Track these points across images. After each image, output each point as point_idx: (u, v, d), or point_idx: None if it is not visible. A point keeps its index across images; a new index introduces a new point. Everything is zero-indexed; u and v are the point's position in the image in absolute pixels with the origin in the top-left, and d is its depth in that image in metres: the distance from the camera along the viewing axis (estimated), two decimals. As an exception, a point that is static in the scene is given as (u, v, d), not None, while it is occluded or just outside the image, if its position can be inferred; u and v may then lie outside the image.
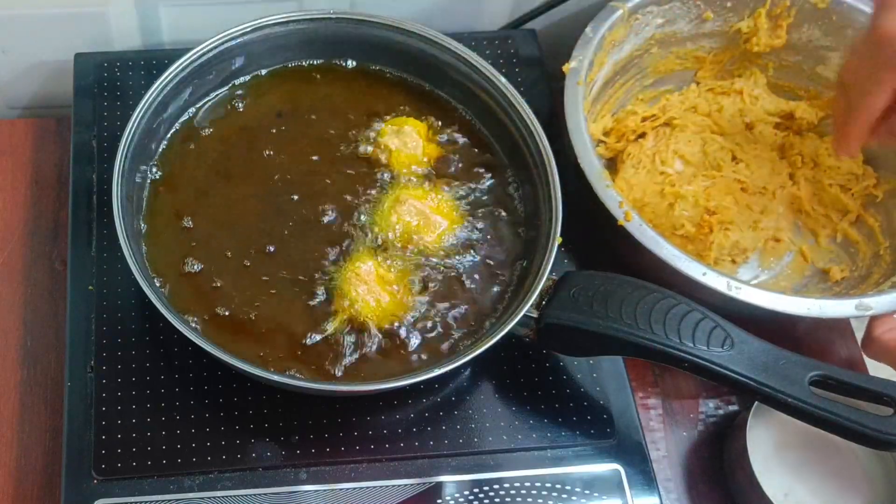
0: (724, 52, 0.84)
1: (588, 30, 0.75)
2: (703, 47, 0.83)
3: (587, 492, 0.64)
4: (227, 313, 0.65)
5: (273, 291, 0.66)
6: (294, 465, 0.63)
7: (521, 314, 0.62)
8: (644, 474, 0.65)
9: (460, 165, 0.72)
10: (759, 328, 0.61)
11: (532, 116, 0.69)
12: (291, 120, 0.73)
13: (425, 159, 0.72)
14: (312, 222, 0.69)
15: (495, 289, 0.68)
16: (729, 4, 0.81)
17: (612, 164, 0.81)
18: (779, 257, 0.80)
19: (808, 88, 0.84)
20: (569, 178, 0.68)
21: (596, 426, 0.66)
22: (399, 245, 0.68)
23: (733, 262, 0.78)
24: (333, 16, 0.73)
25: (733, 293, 0.66)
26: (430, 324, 0.65)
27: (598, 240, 0.73)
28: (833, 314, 0.67)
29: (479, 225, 0.70)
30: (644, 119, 0.82)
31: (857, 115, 0.65)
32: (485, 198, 0.71)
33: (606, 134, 0.81)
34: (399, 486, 0.63)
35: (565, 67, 0.73)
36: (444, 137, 0.73)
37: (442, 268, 0.68)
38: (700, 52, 0.83)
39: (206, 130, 0.72)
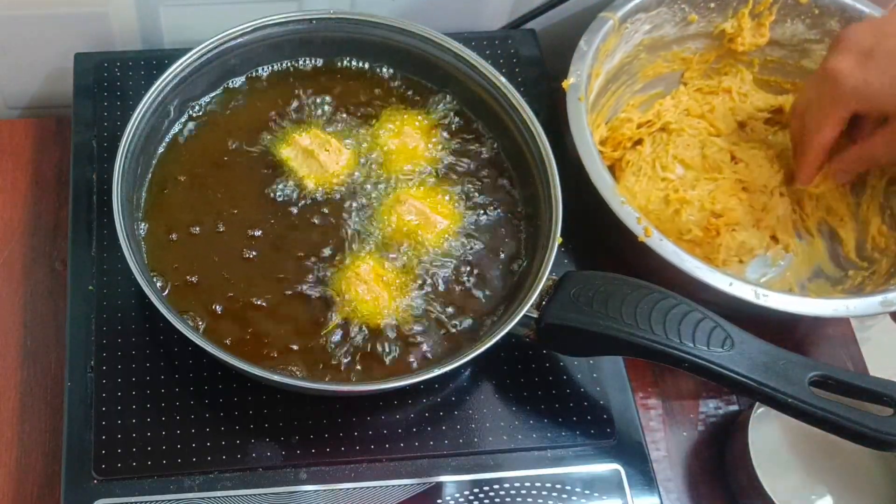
0: (710, 51, 0.84)
1: (582, 43, 0.75)
2: (689, 48, 0.83)
3: (587, 492, 0.64)
4: (226, 313, 0.65)
5: (273, 291, 0.66)
6: (294, 465, 0.63)
7: (521, 314, 0.62)
8: (644, 474, 0.65)
9: (460, 165, 0.72)
10: (760, 328, 0.61)
11: (532, 116, 0.69)
12: (291, 120, 0.73)
13: (425, 159, 0.72)
14: (313, 221, 0.69)
15: (495, 289, 0.68)
16: (712, 5, 0.81)
17: (611, 173, 0.81)
18: (784, 253, 0.80)
19: (794, 82, 0.84)
20: (569, 178, 0.68)
21: (596, 426, 0.66)
22: (399, 244, 0.68)
23: (740, 261, 0.78)
24: (333, 16, 0.73)
25: (761, 301, 0.66)
26: (429, 323, 0.65)
27: (600, 241, 0.73)
28: (861, 312, 0.68)
29: (479, 224, 0.70)
30: (640, 126, 0.82)
31: (809, 147, 0.73)
32: (484, 197, 0.71)
33: (602, 143, 0.81)
34: (399, 486, 0.63)
35: (565, 84, 0.73)
36: (444, 137, 0.73)
37: (442, 267, 0.68)
38: (686, 54, 0.84)
39: (207, 130, 0.72)
